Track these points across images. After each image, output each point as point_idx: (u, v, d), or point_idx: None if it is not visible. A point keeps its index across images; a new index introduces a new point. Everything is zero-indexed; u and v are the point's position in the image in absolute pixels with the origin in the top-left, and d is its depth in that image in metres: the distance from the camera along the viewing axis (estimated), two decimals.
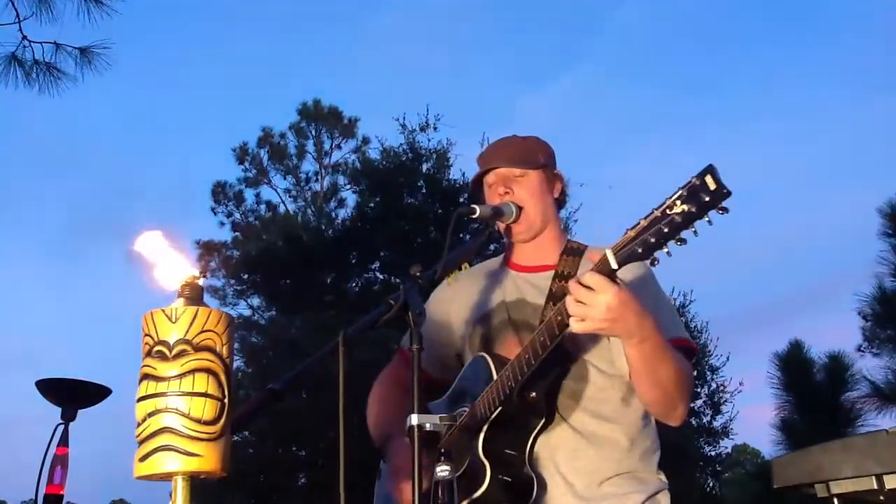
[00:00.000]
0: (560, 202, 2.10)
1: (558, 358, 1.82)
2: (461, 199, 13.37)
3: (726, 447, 16.39)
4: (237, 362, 12.49)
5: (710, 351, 14.65)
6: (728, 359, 14.78)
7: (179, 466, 1.12)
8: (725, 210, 1.39)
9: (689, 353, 1.87)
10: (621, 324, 1.59)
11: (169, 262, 1.26)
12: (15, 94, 5.73)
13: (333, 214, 16.77)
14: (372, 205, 14.45)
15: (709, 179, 1.38)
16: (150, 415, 1.14)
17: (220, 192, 18.47)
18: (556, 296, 1.91)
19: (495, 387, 1.79)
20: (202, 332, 1.17)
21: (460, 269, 1.90)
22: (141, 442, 1.14)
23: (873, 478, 3.61)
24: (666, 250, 1.46)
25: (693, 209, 1.40)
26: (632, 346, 1.65)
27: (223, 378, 1.18)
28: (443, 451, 1.57)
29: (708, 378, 14.53)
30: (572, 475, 1.83)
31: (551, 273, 1.99)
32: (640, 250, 1.47)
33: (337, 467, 1.44)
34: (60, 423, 2.36)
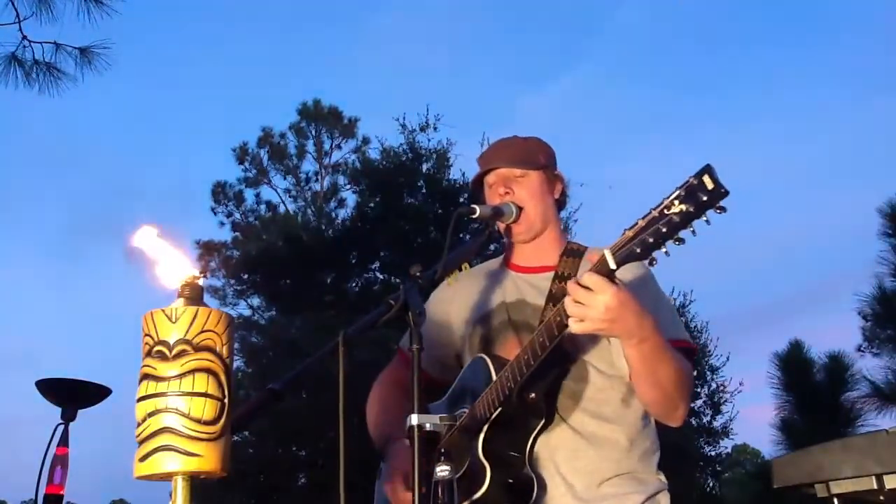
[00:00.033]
0: (560, 203, 2.10)
1: (558, 359, 1.82)
2: (461, 199, 13.37)
3: (726, 447, 16.42)
4: (237, 362, 12.49)
5: (710, 351, 14.66)
6: (728, 359, 14.81)
7: (179, 466, 1.12)
8: (723, 209, 1.39)
9: (689, 353, 1.87)
10: (620, 324, 1.58)
11: (169, 260, 1.26)
12: (15, 94, 5.73)
13: (333, 214, 16.78)
14: (372, 205, 14.46)
15: (706, 179, 1.38)
16: (150, 415, 1.14)
17: (220, 192, 18.46)
18: (555, 297, 1.91)
19: (495, 388, 1.79)
20: (202, 332, 1.17)
21: (460, 269, 1.90)
22: (141, 442, 1.14)
23: (873, 478, 3.61)
24: (664, 250, 1.46)
25: (691, 209, 1.40)
26: (631, 346, 1.65)
27: (223, 378, 1.18)
28: (443, 451, 1.57)
29: (708, 378, 14.54)
30: (572, 475, 1.83)
31: (551, 274, 1.99)
32: (638, 250, 1.47)
33: (337, 467, 1.44)
34: (60, 423, 2.36)
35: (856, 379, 7.16)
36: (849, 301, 7.38)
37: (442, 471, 1.53)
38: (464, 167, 14.69)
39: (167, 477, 1.14)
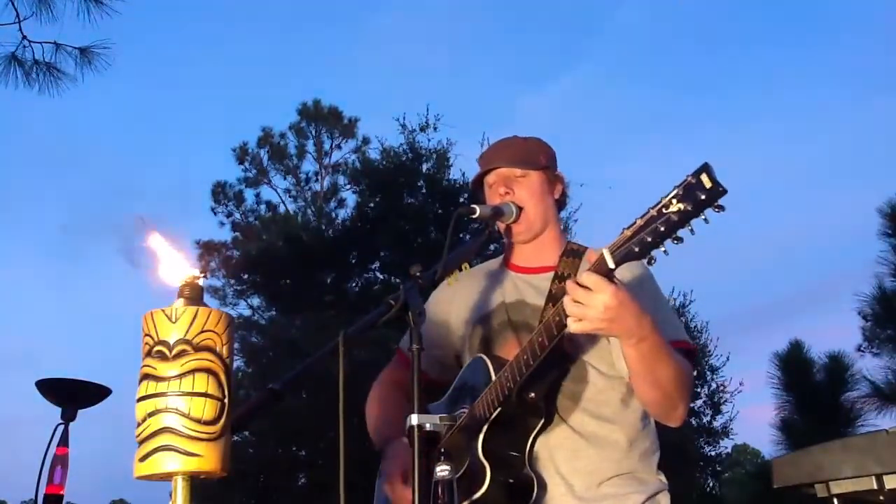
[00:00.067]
0: (560, 203, 2.10)
1: (557, 359, 1.82)
2: (461, 199, 13.37)
3: (726, 447, 16.42)
4: (237, 362, 12.50)
5: (710, 351, 14.66)
6: (728, 359, 14.81)
7: (179, 466, 1.12)
8: (722, 208, 1.39)
9: (689, 354, 1.87)
10: (619, 323, 1.58)
11: (171, 260, 1.26)
12: (15, 93, 5.74)
13: (333, 214, 16.78)
14: (372, 205, 14.46)
15: (704, 178, 1.39)
16: (150, 415, 1.14)
17: (220, 192, 18.46)
18: (555, 297, 1.91)
19: (494, 387, 1.79)
20: (202, 332, 1.17)
21: (460, 269, 1.90)
22: (141, 442, 1.14)
23: (873, 478, 3.61)
24: (663, 249, 1.46)
25: (689, 208, 1.40)
26: (630, 346, 1.65)
27: (223, 378, 1.18)
28: (443, 451, 1.57)
29: (708, 378, 14.54)
30: (572, 476, 1.83)
31: (551, 274, 1.99)
32: (636, 249, 1.47)
33: (337, 467, 1.44)
34: (60, 423, 2.36)
35: (856, 379, 7.16)
36: (849, 301, 7.38)
37: (442, 471, 1.53)
38: (464, 167, 14.72)
39: (167, 477, 1.14)
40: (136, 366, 1.19)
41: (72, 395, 2.40)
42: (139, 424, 1.15)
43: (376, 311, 1.65)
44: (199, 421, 1.13)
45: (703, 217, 1.41)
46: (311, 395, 10.68)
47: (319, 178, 18.83)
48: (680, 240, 1.44)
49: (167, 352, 1.16)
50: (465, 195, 13.01)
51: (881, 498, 3.68)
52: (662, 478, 1.93)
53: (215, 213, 18.36)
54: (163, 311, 1.18)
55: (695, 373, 1.99)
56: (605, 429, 1.87)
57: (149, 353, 1.17)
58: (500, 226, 2.04)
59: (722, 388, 14.67)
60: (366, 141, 18.20)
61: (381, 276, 14.47)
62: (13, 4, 5.64)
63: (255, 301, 16.06)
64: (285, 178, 18.82)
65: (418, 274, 1.70)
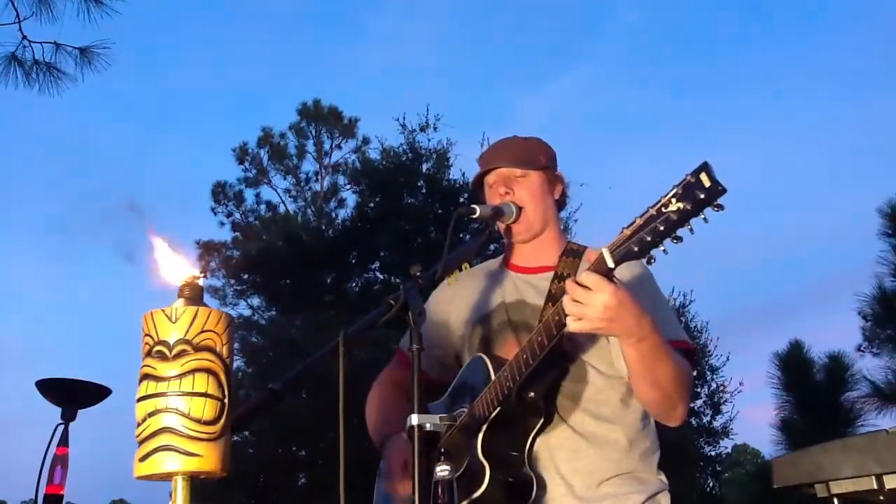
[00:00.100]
0: (560, 203, 2.10)
1: (557, 359, 1.82)
2: (461, 199, 13.37)
3: (726, 447, 16.42)
4: (237, 362, 12.50)
5: (710, 351, 14.66)
6: (728, 359, 14.82)
7: (179, 466, 1.12)
8: (721, 207, 1.39)
9: (689, 353, 1.87)
10: (619, 323, 1.58)
11: (171, 260, 1.26)
12: (15, 93, 5.74)
13: (333, 214, 16.78)
14: (372, 205, 14.46)
15: (703, 177, 1.38)
16: (150, 415, 1.14)
17: (220, 192, 18.46)
18: (555, 297, 1.91)
19: (494, 387, 1.79)
20: (202, 332, 1.17)
21: (460, 269, 1.90)
22: (141, 442, 1.14)
23: (873, 478, 3.60)
24: (662, 248, 1.46)
25: (688, 207, 1.40)
26: (629, 345, 1.65)
27: (223, 378, 1.18)
28: (442, 450, 1.57)
29: (708, 378, 14.54)
30: (572, 475, 1.83)
31: (551, 274, 1.99)
32: (636, 249, 1.47)
33: (337, 467, 1.44)
34: (60, 423, 2.36)
35: (856, 379, 7.16)
36: (849, 301, 7.38)
37: (442, 471, 1.53)
38: (464, 167, 14.71)
39: (167, 477, 1.14)
40: (136, 366, 1.19)
41: (72, 395, 2.40)
42: (139, 424, 1.15)
43: (376, 311, 1.65)
44: (199, 421, 1.14)
45: (702, 216, 1.41)
46: (311, 395, 10.68)
47: (319, 178, 18.83)
48: (679, 239, 1.44)
49: (167, 352, 1.16)
50: (465, 195, 13.01)
51: (881, 498, 3.68)
52: (663, 478, 1.93)
53: (215, 213, 18.38)
54: (163, 311, 1.18)
55: (694, 373, 1.99)
56: (604, 428, 1.87)
57: (149, 353, 1.17)
58: (500, 226, 2.04)
59: (722, 388, 14.69)
60: (366, 141, 18.22)
61: (381, 276, 14.47)
62: (13, 4, 5.64)
63: (255, 301, 16.07)
64: (285, 178, 18.84)
65: (418, 274, 1.70)
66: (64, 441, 2.33)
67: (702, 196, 1.38)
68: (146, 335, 1.19)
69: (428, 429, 1.50)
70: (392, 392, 2.14)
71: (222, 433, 1.16)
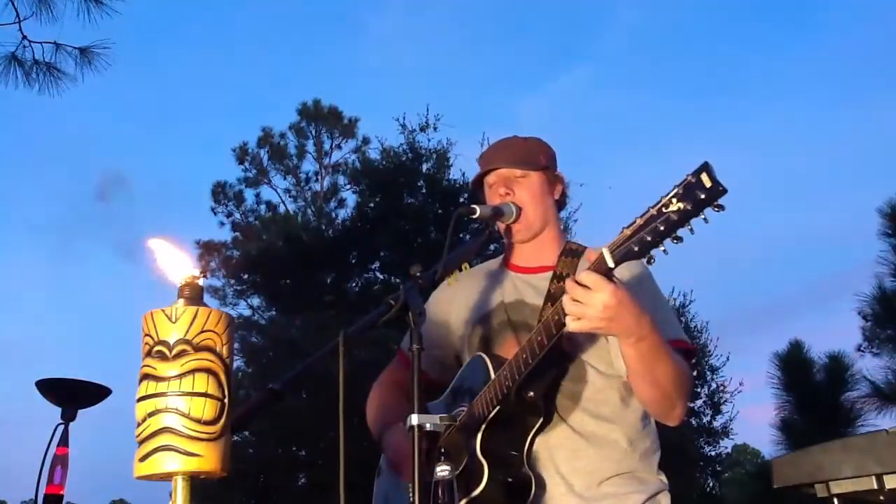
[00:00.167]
0: (560, 204, 2.10)
1: (556, 358, 1.82)
2: (461, 199, 13.37)
3: (726, 447, 16.42)
4: (237, 362, 12.50)
5: (710, 351, 14.66)
6: (728, 359, 14.81)
7: (179, 466, 1.12)
8: (721, 207, 1.39)
9: (688, 353, 1.87)
10: (618, 322, 1.58)
11: (171, 260, 1.26)
12: (15, 93, 5.74)
13: (333, 214, 16.78)
14: (372, 205, 14.45)
15: (704, 177, 1.38)
16: (150, 415, 1.14)
17: (220, 192, 18.46)
18: (554, 297, 1.91)
19: (493, 386, 1.79)
20: (202, 332, 1.17)
21: (460, 269, 1.90)
22: (141, 442, 1.14)
23: (873, 478, 3.60)
24: (662, 248, 1.46)
25: (689, 207, 1.40)
26: (629, 345, 1.65)
27: (223, 378, 1.18)
28: (443, 450, 1.57)
29: (708, 378, 14.54)
30: (572, 475, 1.83)
31: (550, 274, 1.99)
32: (636, 248, 1.47)
33: (337, 467, 1.44)
34: (60, 423, 2.36)
35: (856, 379, 7.16)
36: (849, 301, 7.38)
37: (442, 471, 1.53)
38: (464, 167, 14.72)
39: (167, 477, 1.14)
40: (136, 366, 1.19)
41: (72, 395, 2.40)
42: (139, 424, 1.15)
43: (376, 311, 1.65)
44: (199, 421, 1.14)
45: (702, 216, 1.41)
46: (311, 395, 10.68)
47: (319, 178, 18.83)
48: (680, 239, 1.44)
49: (167, 352, 1.16)
50: (465, 195, 13.01)
51: (881, 498, 3.68)
52: (663, 478, 1.93)
53: (215, 213, 18.37)
54: (163, 310, 1.18)
55: (694, 373, 1.99)
56: (604, 428, 1.87)
57: (149, 353, 1.17)
58: (500, 226, 2.04)
59: (722, 388, 14.68)
60: (366, 141, 18.21)
61: (381, 276, 14.47)
62: (13, 4, 5.64)
63: (255, 301, 16.07)
64: (285, 178, 18.84)
65: (418, 274, 1.70)
66: (64, 441, 2.33)
67: (702, 196, 1.38)
68: (146, 335, 1.19)
69: (428, 429, 1.50)
70: (392, 392, 2.14)
71: (222, 433, 1.16)
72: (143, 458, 1.13)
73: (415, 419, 1.49)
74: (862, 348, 7.59)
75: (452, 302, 2.12)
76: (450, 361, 2.10)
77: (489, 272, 2.11)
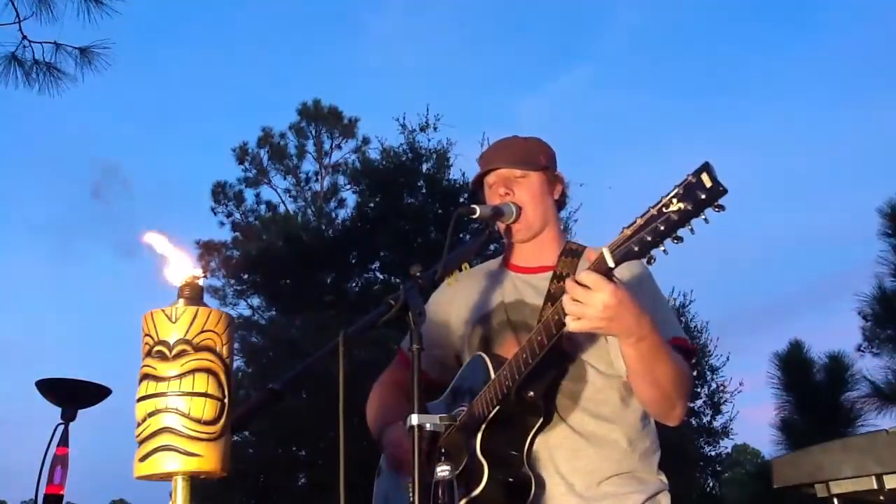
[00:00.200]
0: (560, 204, 2.10)
1: (556, 358, 1.82)
2: (461, 199, 13.37)
3: (726, 447, 16.42)
4: (237, 362, 12.50)
5: (710, 351, 14.66)
6: (728, 359, 14.81)
7: (179, 466, 1.12)
8: (722, 208, 1.39)
9: (688, 353, 1.87)
10: (618, 322, 1.58)
11: (171, 259, 1.26)
12: (15, 93, 5.74)
13: (333, 214, 16.78)
14: (372, 205, 14.45)
15: (705, 177, 1.38)
16: (150, 415, 1.14)
17: (220, 192, 18.46)
18: (554, 297, 1.91)
19: (493, 386, 1.79)
20: (202, 332, 1.18)
21: (460, 269, 1.90)
22: (141, 442, 1.14)
23: (873, 478, 3.60)
24: (663, 249, 1.46)
25: (689, 207, 1.40)
26: (629, 345, 1.65)
27: (223, 378, 1.18)
28: (443, 450, 1.57)
29: (708, 378, 14.54)
30: (572, 475, 1.83)
31: (550, 274, 1.99)
32: (636, 248, 1.47)
33: (337, 467, 1.44)
34: (60, 423, 2.36)
35: (856, 379, 7.15)
36: (849, 301, 7.38)
37: (442, 471, 1.53)
38: (464, 167, 14.71)
39: (167, 477, 1.14)
40: (136, 366, 1.19)
41: (72, 395, 2.40)
42: (139, 424, 1.15)
43: (376, 311, 1.65)
44: (199, 421, 1.14)
45: (703, 217, 1.41)
46: (311, 395, 10.68)
47: (319, 178, 18.83)
48: (680, 239, 1.44)
49: (167, 352, 1.16)
50: (465, 195, 13.00)
51: (881, 498, 3.68)
52: (663, 478, 1.93)
53: (215, 213, 18.37)
54: (163, 310, 1.18)
55: (694, 373, 1.99)
56: (604, 428, 1.87)
57: (149, 353, 1.17)
58: (500, 226, 2.04)
59: (722, 388, 14.68)
60: (366, 141, 18.21)
61: (381, 276, 14.47)
62: (13, 4, 5.64)
63: (255, 301, 16.07)
64: (285, 178, 18.84)
65: (418, 274, 1.70)
66: (64, 441, 2.33)
67: (703, 196, 1.38)
68: (146, 335, 1.19)
69: (428, 429, 1.50)
70: (392, 392, 2.14)
71: (222, 433, 1.16)
72: (143, 458, 1.13)
73: (415, 419, 1.49)
74: (862, 348, 7.59)
75: (452, 302, 2.12)
76: (450, 361, 2.10)
77: (489, 272, 2.11)
